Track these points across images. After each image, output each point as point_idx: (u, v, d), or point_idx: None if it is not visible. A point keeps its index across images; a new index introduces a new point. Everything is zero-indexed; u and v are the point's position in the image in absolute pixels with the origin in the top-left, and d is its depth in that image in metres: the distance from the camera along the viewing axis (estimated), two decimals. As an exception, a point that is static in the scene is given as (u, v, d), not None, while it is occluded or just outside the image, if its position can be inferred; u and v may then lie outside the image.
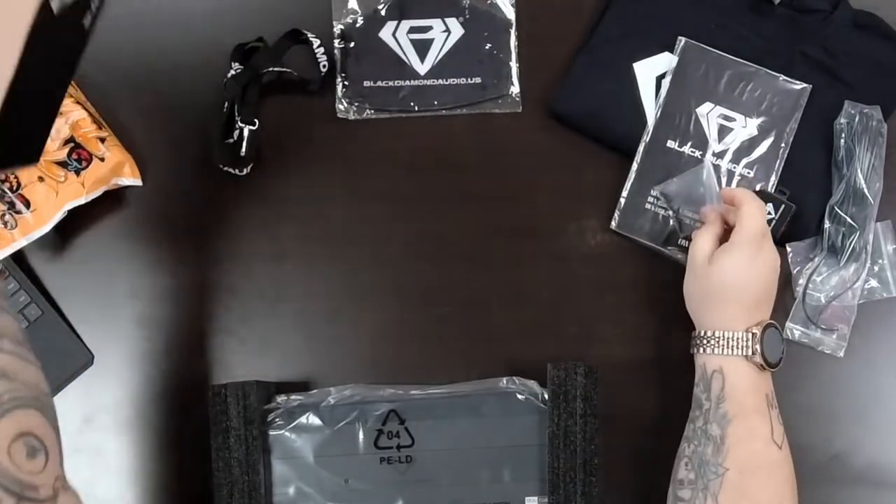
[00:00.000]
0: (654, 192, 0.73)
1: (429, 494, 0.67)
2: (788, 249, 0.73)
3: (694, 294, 0.65)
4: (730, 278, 0.62)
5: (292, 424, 0.68)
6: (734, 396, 0.60)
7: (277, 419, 0.68)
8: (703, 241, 0.64)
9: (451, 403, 0.68)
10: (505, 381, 0.68)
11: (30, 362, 0.51)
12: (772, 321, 0.62)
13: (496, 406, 0.67)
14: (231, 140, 0.75)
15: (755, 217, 0.63)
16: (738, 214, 0.63)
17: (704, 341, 0.62)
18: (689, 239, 0.69)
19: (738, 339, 0.61)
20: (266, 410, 0.68)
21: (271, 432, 0.68)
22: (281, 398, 0.68)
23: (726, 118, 0.74)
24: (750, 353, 0.60)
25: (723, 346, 0.61)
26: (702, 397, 0.62)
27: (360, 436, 0.67)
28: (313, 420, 0.68)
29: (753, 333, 0.60)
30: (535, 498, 0.66)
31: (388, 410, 0.67)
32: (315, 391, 0.69)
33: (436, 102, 0.77)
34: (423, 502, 0.67)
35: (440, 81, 0.77)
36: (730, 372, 0.61)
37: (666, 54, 0.75)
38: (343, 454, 0.67)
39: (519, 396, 0.67)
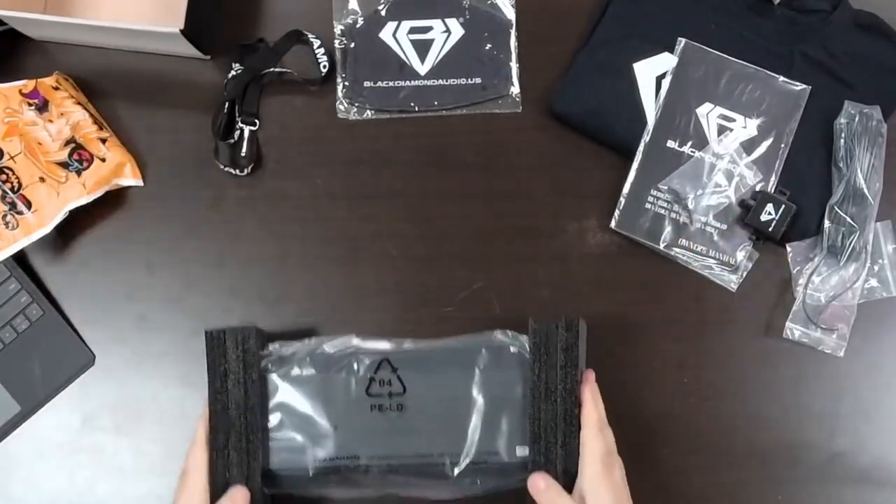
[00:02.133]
0: (662, 187, 0.73)
1: (419, 443, 0.66)
2: (788, 249, 0.73)
3: None
4: None
5: (284, 370, 0.67)
6: None
7: (270, 365, 0.67)
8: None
9: (443, 354, 0.67)
10: (498, 334, 0.68)
11: None
12: None
13: (488, 358, 0.67)
14: (231, 140, 0.76)
15: (594, 442, 0.61)
16: (580, 439, 0.62)
17: None
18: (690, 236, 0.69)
19: None
20: (260, 357, 0.67)
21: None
22: (274, 346, 0.68)
23: (726, 118, 0.74)
24: None
25: None
26: None
27: (352, 383, 0.67)
28: (306, 366, 0.67)
29: None
30: (527, 447, 0.65)
31: (380, 359, 0.67)
32: (309, 340, 0.68)
33: (436, 102, 0.77)
34: (414, 450, 0.66)
35: (440, 81, 0.77)
36: None
37: (666, 54, 0.75)
38: (334, 400, 0.67)
39: (511, 350, 0.67)
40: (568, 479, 0.63)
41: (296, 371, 0.67)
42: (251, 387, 0.65)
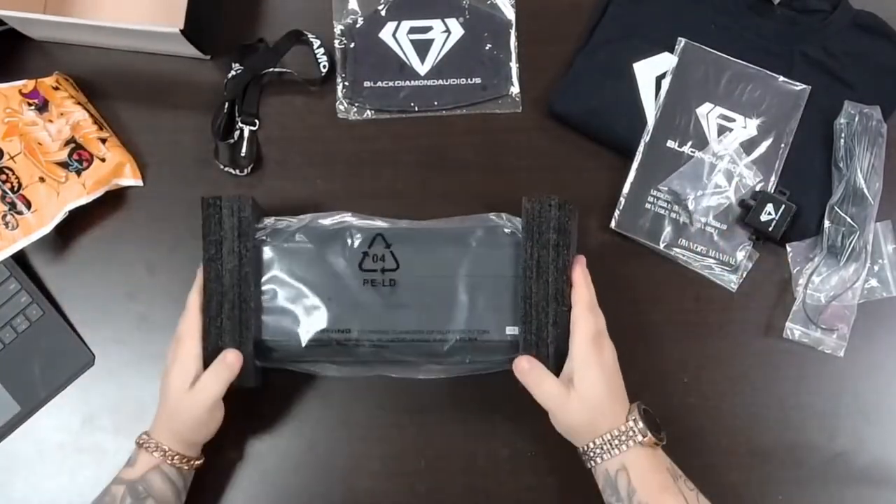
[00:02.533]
0: (661, 188, 0.73)
1: (410, 319, 0.66)
2: (788, 249, 0.73)
3: (571, 426, 0.62)
4: (594, 395, 0.60)
5: (278, 242, 0.67)
6: (643, 484, 0.58)
7: (265, 237, 0.67)
8: (548, 388, 0.61)
9: (437, 233, 0.67)
10: (492, 216, 0.68)
11: None
12: (635, 402, 0.61)
13: (481, 237, 0.67)
14: (231, 140, 0.76)
15: (585, 322, 0.61)
16: (571, 319, 0.62)
17: (599, 450, 0.60)
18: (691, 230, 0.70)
19: (628, 429, 0.59)
20: (255, 228, 0.67)
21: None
22: (269, 220, 0.68)
23: (726, 118, 0.74)
24: (641, 437, 0.59)
25: (617, 444, 0.59)
26: (612, 501, 0.60)
27: (346, 257, 0.67)
28: (300, 239, 0.67)
29: (634, 419, 0.59)
30: (516, 327, 0.65)
31: (374, 234, 0.67)
32: (305, 216, 0.68)
33: (436, 102, 0.77)
34: (405, 326, 0.66)
35: (440, 82, 0.77)
36: (631, 463, 0.59)
37: (666, 54, 0.75)
38: (327, 274, 0.67)
39: (505, 230, 0.67)
40: (559, 359, 0.63)
41: (290, 244, 0.67)
42: (245, 256, 0.65)
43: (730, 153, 0.73)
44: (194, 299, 0.65)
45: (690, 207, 0.72)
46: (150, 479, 0.62)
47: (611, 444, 0.59)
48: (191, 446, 0.64)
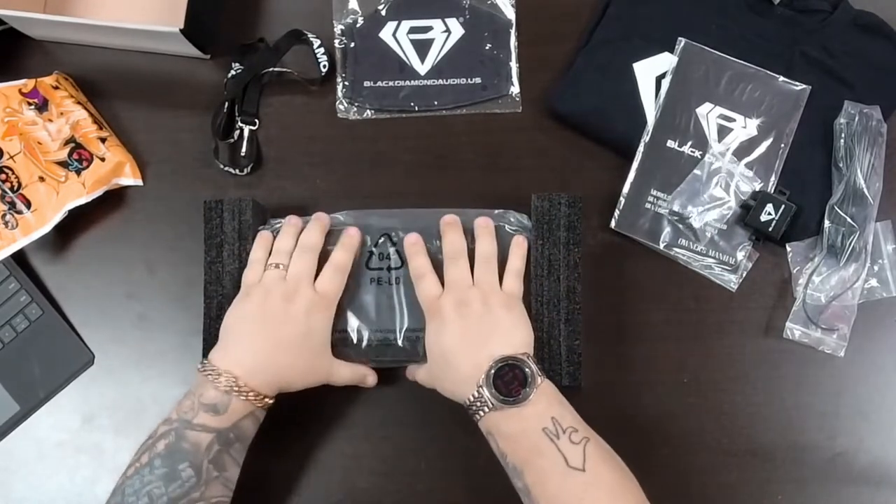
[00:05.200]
0: (663, 199, 0.73)
1: (416, 316, 0.66)
2: (788, 249, 0.73)
3: (430, 382, 0.65)
4: (434, 352, 0.63)
5: None
6: (510, 448, 0.58)
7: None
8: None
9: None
10: (496, 213, 0.68)
11: None
12: (503, 357, 0.59)
13: None
14: (231, 140, 0.76)
15: (417, 289, 0.65)
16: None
17: (467, 411, 0.60)
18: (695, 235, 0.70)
19: (476, 399, 0.58)
20: (258, 230, 0.68)
21: None
22: (276, 221, 0.69)
23: (726, 118, 0.74)
24: (490, 405, 0.58)
25: (474, 411, 0.59)
26: (498, 457, 0.60)
27: None
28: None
29: (480, 387, 0.58)
30: None
31: (381, 233, 0.68)
32: (309, 217, 0.68)
33: (436, 102, 0.77)
34: (411, 323, 0.66)
35: (440, 81, 0.77)
36: (493, 429, 0.59)
37: (666, 54, 0.75)
38: None
39: (508, 228, 0.67)
40: (571, 357, 0.64)
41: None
42: (244, 258, 0.66)
43: (730, 153, 0.73)
44: (347, 259, 0.65)
45: (696, 225, 0.72)
46: (242, 425, 0.60)
47: (470, 411, 0.60)
48: (276, 387, 0.62)
